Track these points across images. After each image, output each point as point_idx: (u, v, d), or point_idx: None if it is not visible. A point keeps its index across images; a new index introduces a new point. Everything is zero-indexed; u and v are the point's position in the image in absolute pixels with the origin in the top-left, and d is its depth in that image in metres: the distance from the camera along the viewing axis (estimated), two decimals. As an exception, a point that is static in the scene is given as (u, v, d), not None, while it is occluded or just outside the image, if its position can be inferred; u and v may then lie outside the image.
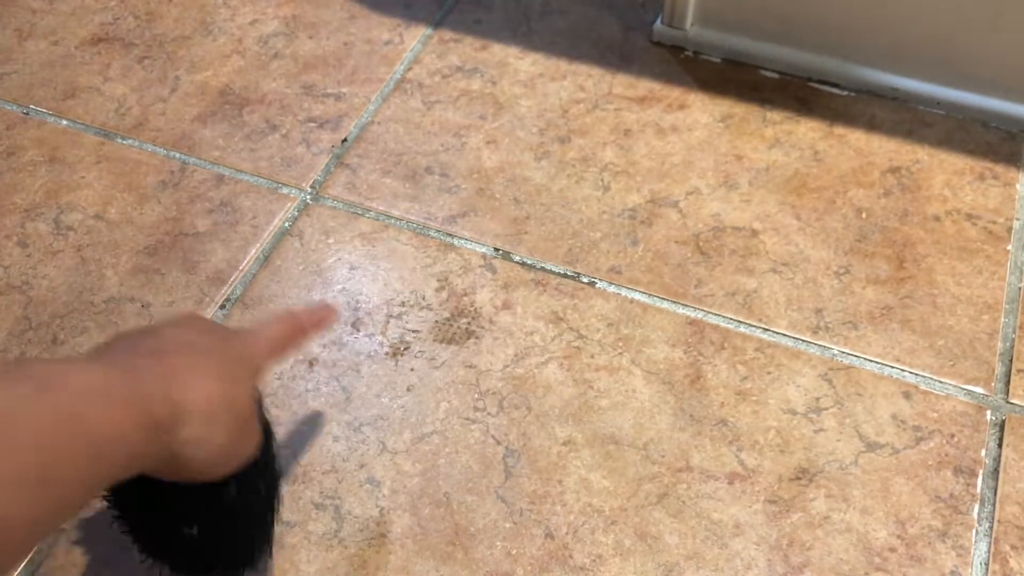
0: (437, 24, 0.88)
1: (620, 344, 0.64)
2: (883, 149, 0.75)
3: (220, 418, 0.38)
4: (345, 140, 0.78)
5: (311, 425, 0.61)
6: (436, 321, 0.66)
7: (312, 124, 0.80)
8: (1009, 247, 0.68)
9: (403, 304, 0.67)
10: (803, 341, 0.63)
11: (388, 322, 0.66)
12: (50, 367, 0.33)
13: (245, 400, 0.40)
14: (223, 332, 0.43)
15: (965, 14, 0.72)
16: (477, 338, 0.64)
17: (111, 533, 0.56)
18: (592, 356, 0.63)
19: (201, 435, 0.37)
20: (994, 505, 0.55)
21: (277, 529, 0.54)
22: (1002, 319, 0.64)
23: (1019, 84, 0.74)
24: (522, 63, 0.84)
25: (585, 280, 0.68)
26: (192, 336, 0.40)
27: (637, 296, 0.66)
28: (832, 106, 0.78)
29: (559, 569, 0.54)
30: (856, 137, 0.76)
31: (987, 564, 0.53)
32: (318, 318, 0.48)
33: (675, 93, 0.80)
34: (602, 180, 0.74)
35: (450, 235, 0.71)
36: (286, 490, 0.57)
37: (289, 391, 0.62)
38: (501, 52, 0.85)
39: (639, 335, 0.64)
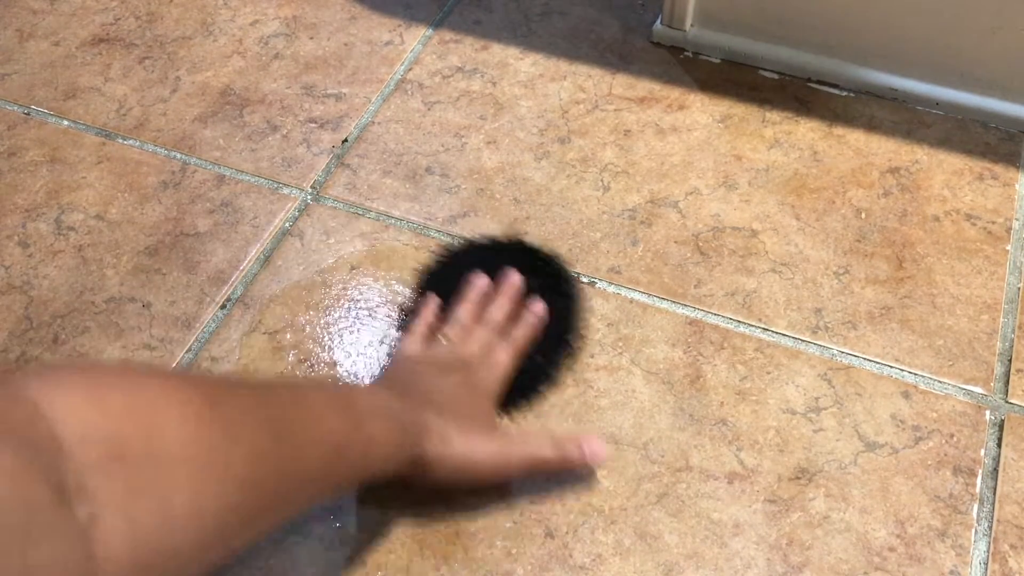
0: (437, 25, 0.88)
1: (620, 344, 0.64)
2: (882, 149, 0.75)
3: (453, 446, 0.51)
4: (346, 140, 0.78)
5: (311, 425, 0.61)
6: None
7: (313, 124, 0.80)
8: (1008, 247, 0.68)
9: (404, 304, 0.67)
10: (802, 341, 0.64)
11: (388, 322, 0.66)
12: (355, 389, 0.50)
13: (479, 432, 0.53)
14: (469, 375, 0.58)
15: (965, 14, 0.72)
16: (477, 338, 0.65)
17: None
18: (592, 356, 0.63)
19: (439, 454, 0.50)
20: (993, 505, 0.56)
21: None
22: (1001, 319, 0.64)
23: (1018, 84, 0.74)
24: (522, 63, 0.84)
25: (585, 280, 0.68)
26: (451, 380, 0.56)
27: (637, 296, 0.67)
28: (831, 106, 0.79)
29: (559, 568, 0.54)
30: (855, 137, 0.76)
31: (986, 564, 0.53)
32: (584, 451, 0.56)
33: (675, 93, 0.80)
34: (602, 180, 0.74)
35: (450, 235, 0.71)
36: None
37: (290, 391, 0.62)
38: (501, 52, 0.85)
39: (639, 335, 0.64)
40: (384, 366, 0.63)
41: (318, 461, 0.42)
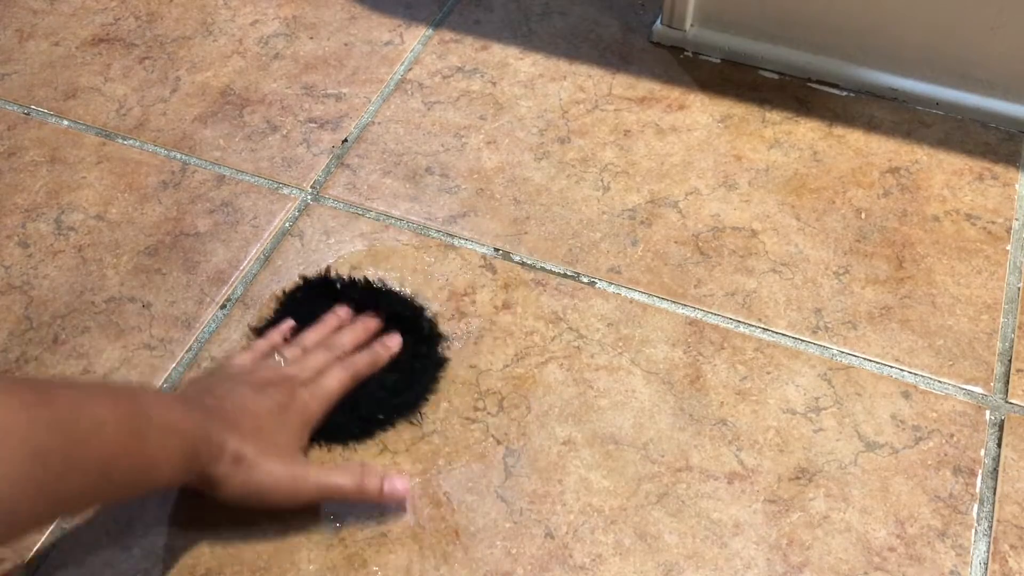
0: (437, 25, 0.88)
1: (620, 344, 0.64)
2: (882, 149, 0.75)
3: (243, 470, 0.50)
4: (345, 140, 0.78)
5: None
6: (436, 321, 0.66)
7: (313, 124, 0.80)
8: (1008, 247, 0.68)
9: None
10: (802, 341, 0.64)
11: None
12: (150, 401, 0.47)
13: (276, 458, 0.52)
14: (289, 395, 0.56)
15: (965, 14, 0.72)
16: (477, 338, 0.65)
17: (112, 534, 0.56)
18: (592, 356, 0.63)
19: (226, 476, 0.50)
20: (993, 505, 0.56)
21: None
22: (1001, 319, 0.64)
23: (1018, 84, 0.74)
24: (522, 64, 0.84)
25: (585, 280, 0.68)
26: (265, 399, 0.54)
27: (637, 296, 0.67)
28: (831, 106, 0.79)
29: (559, 568, 0.54)
30: (855, 137, 0.76)
31: (986, 564, 0.53)
32: (384, 487, 0.55)
33: (675, 93, 0.80)
34: (602, 180, 0.74)
35: (450, 235, 0.71)
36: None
37: (289, 391, 0.62)
38: (501, 52, 0.85)
39: (639, 335, 0.64)
40: (197, 376, 0.61)
41: (87, 477, 0.42)
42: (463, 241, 0.71)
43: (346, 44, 0.87)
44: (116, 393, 0.47)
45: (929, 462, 0.57)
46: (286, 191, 0.75)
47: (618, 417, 0.60)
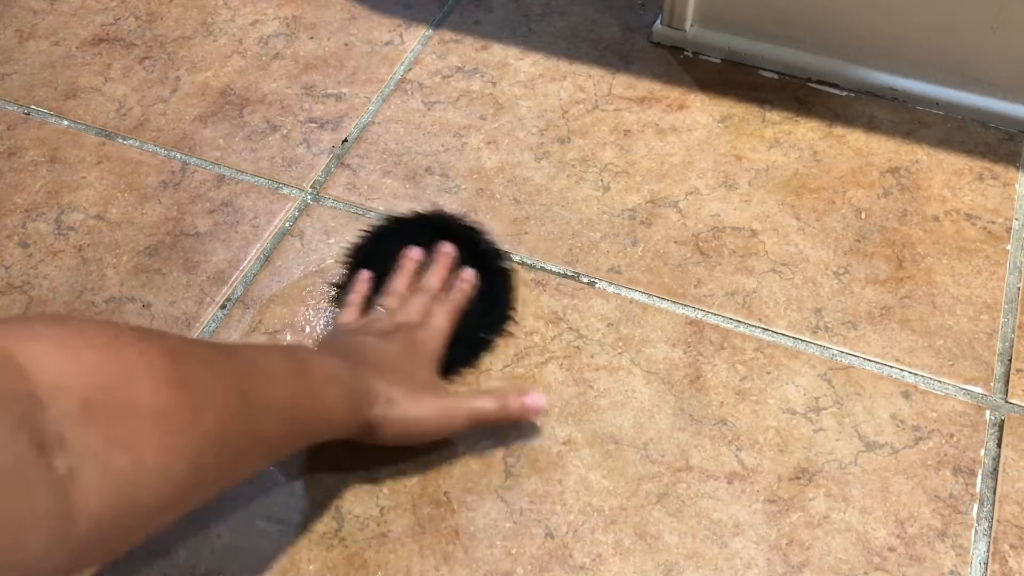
0: (437, 25, 0.88)
1: (620, 344, 0.64)
2: (882, 149, 0.75)
3: (399, 408, 0.53)
4: (346, 140, 0.78)
5: (311, 425, 0.61)
6: (436, 321, 0.66)
7: (313, 124, 0.80)
8: (1008, 247, 0.68)
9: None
10: (802, 341, 0.64)
11: (388, 322, 0.66)
12: (310, 355, 0.50)
13: (423, 393, 0.55)
14: (410, 339, 0.59)
15: (965, 14, 0.72)
16: (477, 338, 0.65)
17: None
18: (592, 356, 0.63)
19: (385, 416, 0.52)
20: (993, 505, 0.56)
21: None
22: (1001, 319, 0.64)
23: (1018, 84, 0.74)
24: (522, 64, 0.84)
25: (585, 280, 0.68)
26: (393, 346, 0.58)
27: (637, 296, 0.67)
28: (831, 106, 0.79)
29: (559, 568, 0.54)
30: (855, 137, 0.76)
31: (986, 564, 0.53)
32: (524, 404, 0.58)
33: (675, 93, 0.80)
34: (602, 180, 0.74)
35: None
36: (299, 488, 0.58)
37: (289, 391, 0.62)
38: (501, 52, 0.85)
39: (639, 335, 0.64)
40: (324, 338, 0.64)
41: (277, 422, 0.44)
42: (463, 241, 0.71)
43: (346, 44, 0.87)
44: (278, 348, 0.52)
45: (929, 462, 0.57)
46: (286, 191, 0.75)
47: (618, 417, 0.60)
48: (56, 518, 0.30)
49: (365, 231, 0.70)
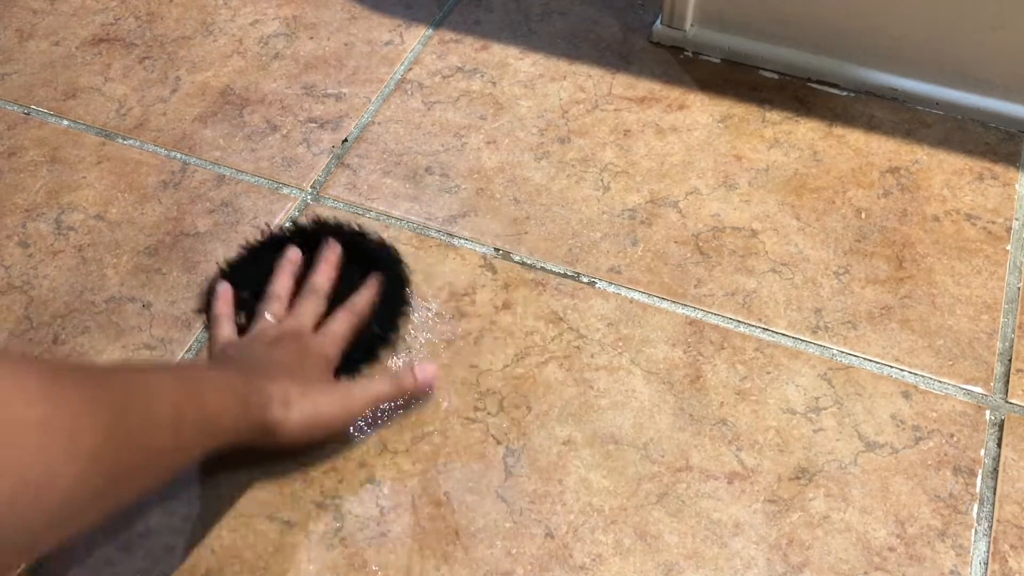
0: (437, 24, 0.88)
1: (620, 344, 0.64)
2: (882, 149, 0.75)
3: (296, 407, 0.52)
4: (346, 140, 0.78)
5: (311, 425, 0.61)
6: (436, 321, 0.66)
7: (313, 124, 0.80)
8: (1008, 247, 0.68)
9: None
10: (802, 341, 0.64)
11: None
12: (195, 367, 0.53)
13: (318, 390, 0.55)
14: (303, 344, 0.58)
15: (965, 14, 0.72)
16: (477, 338, 0.65)
17: (112, 534, 0.56)
18: (592, 356, 0.63)
19: (284, 417, 0.52)
20: (993, 505, 0.56)
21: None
22: (1001, 319, 0.64)
23: (1018, 84, 0.74)
24: (522, 63, 0.84)
25: (585, 280, 0.68)
26: (283, 351, 0.57)
27: (637, 296, 0.67)
28: (831, 106, 0.79)
29: (559, 568, 0.54)
30: (855, 137, 0.76)
31: (986, 564, 0.53)
32: (417, 377, 0.59)
33: (675, 93, 0.80)
34: (602, 180, 0.74)
35: (450, 235, 0.71)
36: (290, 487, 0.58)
37: (289, 391, 0.62)
38: (501, 52, 0.85)
39: (639, 335, 0.64)
40: (211, 355, 0.62)
41: (162, 436, 0.43)
42: (463, 241, 0.71)
43: (346, 44, 0.87)
44: (160, 364, 0.51)
45: (929, 462, 0.57)
46: (286, 191, 0.75)
47: (618, 417, 0.60)
48: None
49: (243, 247, 0.69)
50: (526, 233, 0.71)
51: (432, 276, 0.68)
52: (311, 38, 0.88)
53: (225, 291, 0.64)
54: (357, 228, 0.69)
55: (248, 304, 0.64)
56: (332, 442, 0.58)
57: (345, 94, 0.82)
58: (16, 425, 0.34)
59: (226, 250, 0.71)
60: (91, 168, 0.77)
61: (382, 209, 0.73)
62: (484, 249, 0.70)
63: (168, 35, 0.89)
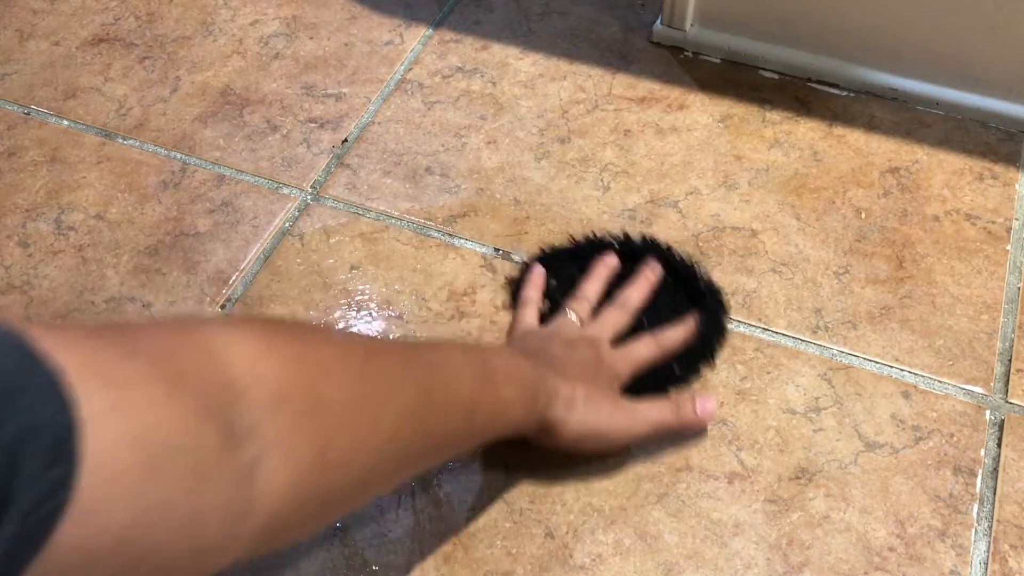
0: (437, 24, 0.88)
1: (620, 344, 0.64)
2: (882, 149, 0.75)
3: (579, 411, 0.52)
4: (346, 140, 0.78)
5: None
6: (436, 321, 0.66)
7: (313, 124, 0.80)
8: (1008, 247, 0.68)
9: (403, 304, 0.67)
10: (802, 341, 0.64)
11: (389, 323, 0.66)
12: (492, 353, 0.50)
13: (603, 400, 0.54)
14: (598, 354, 0.57)
15: (965, 14, 0.72)
16: (477, 338, 0.65)
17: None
18: (592, 356, 0.63)
19: (564, 418, 0.51)
20: (993, 504, 0.56)
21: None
22: (1001, 319, 0.64)
23: (1019, 84, 0.74)
24: (522, 63, 0.84)
25: (585, 280, 0.68)
26: (579, 354, 0.56)
27: (637, 296, 0.66)
28: (831, 106, 0.79)
29: (559, 568, 0.54)
30: (855, 137, 0.76)
31: (986, 563, 0.53)
32: (699, 411, 0.57)
33: (675, 93, 0.80)
34: (602, 180, 0.74)
35: (450, 235, 0.71)
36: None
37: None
38: (501, 52, 0.85)
39: (639, 335, 0.64)
40: (509, 336, 0.63)
41: (456, 420, 0.45)
42: (463, 241, 0.71)
43: (346, 44, 0.87)
44: (461, 344, 0.52)
45: (929, 462, 0.57)
46: (286, 191, 0.75)
47: (618, 417, 0.60)
48: (235, 509, 0.31)
49: (569, 242, 0.68)
50: (526, 233, 0.71)
51: (432, 276, 0.68)
52: (311, 38, 0.88)
53: (538, 276, 0.64)
54: (688, 260, 0.66)
55: (555, 295, 0.64)
56: (606, 455, 0.57)
57: (345, 94, 0.82)
58: (328, 405, 0.35)
59: (226, 250, 0.71)
60: (91, 168, 0.77)
61: (382, 209, 0.73)
62: (484, 249, 0.70)
63: (168, 35, 0.89)
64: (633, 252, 0.66)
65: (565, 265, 0.66)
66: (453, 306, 0.66)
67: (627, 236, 0.68)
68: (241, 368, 0.32)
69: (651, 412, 0.56)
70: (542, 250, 0.68)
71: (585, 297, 0.62)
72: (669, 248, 0.67)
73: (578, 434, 0.52)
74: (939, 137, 0.76)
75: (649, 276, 0.64)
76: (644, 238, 0.68)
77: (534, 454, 0.59)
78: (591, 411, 0.53)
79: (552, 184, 0.74)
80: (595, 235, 0.69)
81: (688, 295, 0.64)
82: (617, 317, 0.61)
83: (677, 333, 0.61)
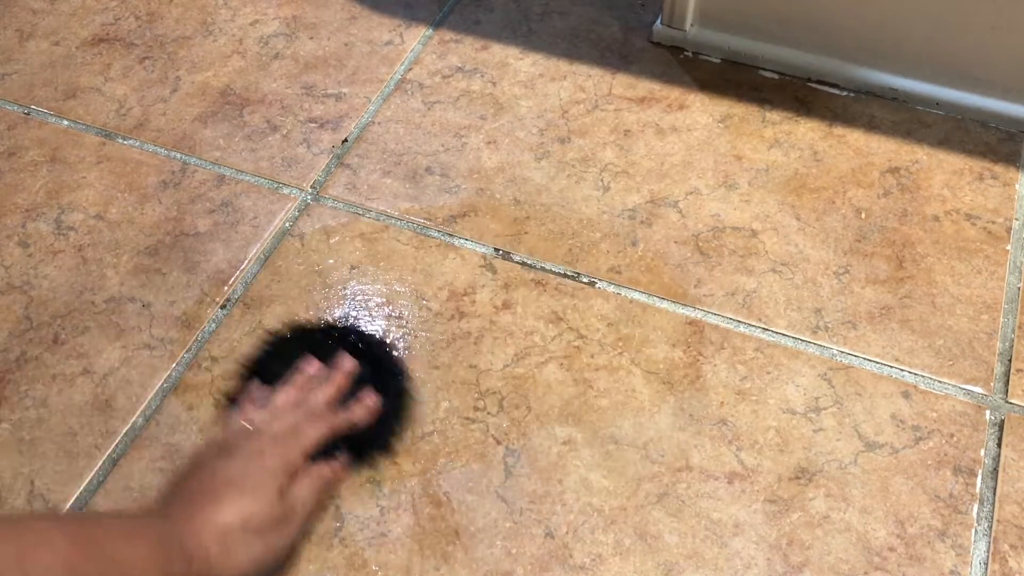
0: (437, 24, 0.88)
1: (620, 344, 0.64)
2: (882, 149, 0.75)
3: (240, 547, 0.49)
4: (346, 140, 0.78)
5: (311, 425, 0.61)
6: (436, 321, 0.66)
7: (313, 124, 0.80)
8: (1008, 247, 0.68)
9: (403, 304, 0.67)
10: (802, 341, 0.64)
11: (388, 322, 0.66)
12: (105, 523, 0.48)
13: (264, 517, 0.51)
14: (256, 451, 0.53)
15: (965, 14, 0.72)
16: (477, 338, 0.65)
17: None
18: (592, 356, 0.63)
19: (224, 562, 0.48)
20: (993, 504, 0.56)
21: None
22: (1001, 319, 0.64)
23: (1018, 84, 0.74)
24: (522, 63, 0.84)
25: (585, 280, 0.68)
26: (227, 467, 0.52)
27: (637, 296, 0.67)
28: (831, 106, 0.79)
29: (559, 568, 0.54)
30: (855, 137, 0.76)
31: (986, 563, 0.53)
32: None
33: (675, 93, 0.80)
34: (602, 180, 0.74)
35: (450, 235, 0.71)
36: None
37: (289, 391, 0.62)
38: (501, 52, 0.85)
39: (639, 335, 0.64)
40: (186, 464, 0.56)
41: None
42: (463, 241, 0.71)
43: (346, 44, 0.87)
44: (67, 516, 0.50)
45: (929, 462, 0.57)
46: (286, 191, 0.75)
47: (618, 417, 0.60)
48: None
49: (265, 341, 0.65)
50: (526, 233, 0.71)
51: (432, 276, 0.68)
52: (311, 38, 0.88)
53: (254, 396, 0.61)
54: (383, 340, 0.65)
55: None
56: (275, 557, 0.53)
57: (345, 94, 0.82)
58: None
59: (226, 250, 0.71)
60: (91, 168, 0.77)
61: (382, 209, 0.73)
62: (484, 249, 0.70)
63: (168, 35, 0.89)
64: (336, 340, 0.64)
65: (273, 362, 0.63)
66: (453, 306, 0.66)
67: (327, 324, 0.66)
68: None
69: (299, 499, 0.53)
70: (253, 356, 0.64)
71: (271, 406, 0.58)
72: (366, 335, 0.65)
73: (251, 560, 0.50)
74: (939, 137, 0.76)
75: (339, 375, 0.60)
76: (347, 328, 0.65)
77: (534, 454, 0.59)
78: (252, 538, 0.50)
79: (552, 184, 0.74)
80: (300, 326, 0.66)
81: (376, 368, 0.62)
82: (293, 418, 0.57)
83: (346, 416, 0.58)
